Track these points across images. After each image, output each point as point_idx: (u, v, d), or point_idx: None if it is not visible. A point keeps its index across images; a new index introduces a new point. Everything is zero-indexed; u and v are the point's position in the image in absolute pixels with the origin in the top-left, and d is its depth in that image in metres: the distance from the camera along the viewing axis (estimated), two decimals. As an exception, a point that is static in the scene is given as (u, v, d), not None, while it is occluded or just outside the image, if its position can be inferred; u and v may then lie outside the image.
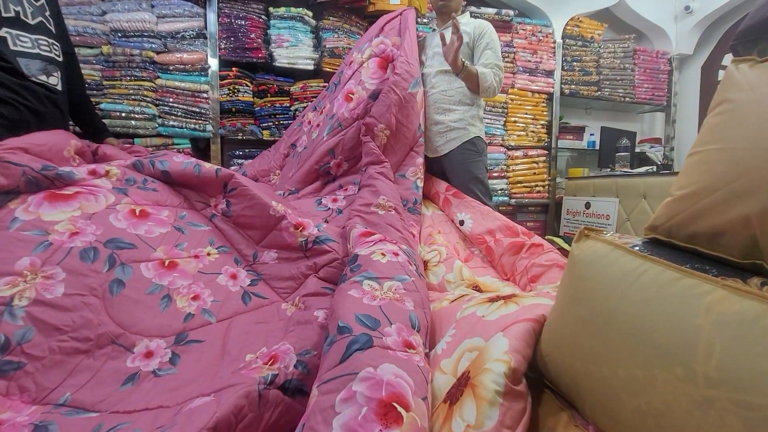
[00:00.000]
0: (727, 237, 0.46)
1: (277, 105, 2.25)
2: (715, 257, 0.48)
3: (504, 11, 2.64)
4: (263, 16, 2.19)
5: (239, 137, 2.21)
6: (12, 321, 0.77)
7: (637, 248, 0.54)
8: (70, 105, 1.45)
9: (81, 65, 1.60)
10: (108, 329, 0.85)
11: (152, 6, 1.99)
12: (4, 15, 1.20)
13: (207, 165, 1.24)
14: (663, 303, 0.45)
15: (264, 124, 2.25)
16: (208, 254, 1.14)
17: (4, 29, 1.20)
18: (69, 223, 0.96)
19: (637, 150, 3.10)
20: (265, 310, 1.07)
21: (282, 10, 2.19)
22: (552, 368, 0.59)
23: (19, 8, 1.24)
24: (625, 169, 2.68)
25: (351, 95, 1.65)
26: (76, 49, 1.58)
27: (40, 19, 1.31)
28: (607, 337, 0.48)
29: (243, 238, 1.21)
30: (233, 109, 2.17)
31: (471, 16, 1.85)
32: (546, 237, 2.67)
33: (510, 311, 0.73)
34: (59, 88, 1.34)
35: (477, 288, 1.15)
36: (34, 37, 1.27)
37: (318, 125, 1.78)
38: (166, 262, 1.03)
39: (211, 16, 2.10)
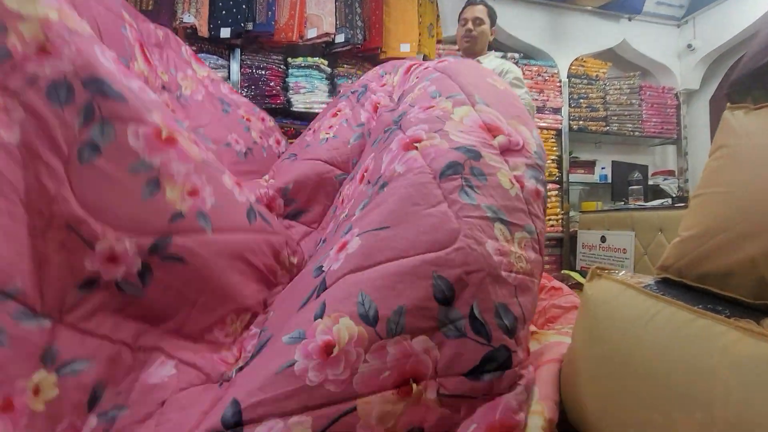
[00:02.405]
0: (736, 278, 0.47)
1: (294, 146, 2.36)
2: (727, 297, 0.49)
3: (510, 54, 2.76)
4: (282, 66, 2.35)
5: (257, 177, 2.30)
6: None
7: (649, 288, 0.55)
8: None
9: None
10: (67, 208, 0.61)
11: (181, 60, 2.16)
12: None
13: None
14: (678, 345, 0.46)
15: (281, 165, 2.34)
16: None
17: None
18: (38, 27, 0.63)
19: (651, 183, 3.09)
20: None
21: (299, 60, 2.34)
22: (571, 408, 0.59)
23: None
24: (640, 203, 2.66)
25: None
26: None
27: None
28: (624, 379, 0.49)
29: None
30: (252, 151, 2.28)
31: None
32: (562, 271, 2.62)
33: (533, 349, 0.73)
34: None
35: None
36: None
37: (330, 127, 1.52)
38: (164, 134, 0.72)
39: (234, 66, 2.25)
